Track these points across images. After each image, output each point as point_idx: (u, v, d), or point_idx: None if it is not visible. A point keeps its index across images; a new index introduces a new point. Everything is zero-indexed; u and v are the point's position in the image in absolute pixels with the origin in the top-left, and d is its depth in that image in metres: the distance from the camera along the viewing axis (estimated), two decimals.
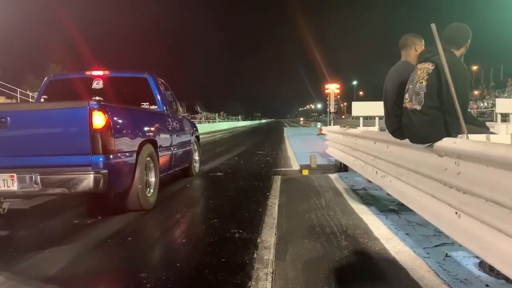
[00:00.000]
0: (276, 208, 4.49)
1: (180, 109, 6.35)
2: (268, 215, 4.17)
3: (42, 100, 5.16)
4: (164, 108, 5.29)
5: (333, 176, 6.74)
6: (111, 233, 3.55)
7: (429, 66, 2.84)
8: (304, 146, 13.83)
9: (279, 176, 6.87)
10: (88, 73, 5.24)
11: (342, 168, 7.05)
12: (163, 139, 4.90)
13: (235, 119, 72.39)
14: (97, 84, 5.13)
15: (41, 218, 4.16)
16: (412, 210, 3.22)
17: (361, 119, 11.83)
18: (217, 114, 51.55)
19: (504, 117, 9.27)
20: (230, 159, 10.44)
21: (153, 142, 4.47)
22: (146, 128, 4.42)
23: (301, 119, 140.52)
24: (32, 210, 4.23)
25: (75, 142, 3.34)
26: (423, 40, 3.56)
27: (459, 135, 2.61)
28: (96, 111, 3.32)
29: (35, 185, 3.22)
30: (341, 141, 6.69)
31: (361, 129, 6.89)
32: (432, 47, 2.86)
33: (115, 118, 3.55)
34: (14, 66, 43.97)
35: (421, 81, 2.86)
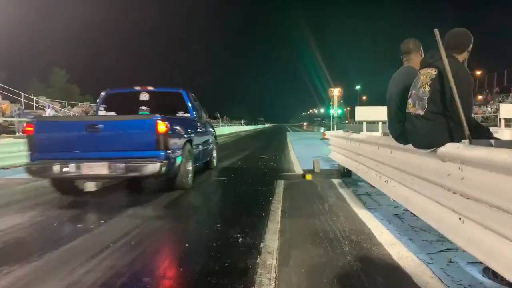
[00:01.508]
0: (279, 213, 4.49)
1: (205, 115, 7.72)
2: (271, 220, 4.17)
3: (101, 109, 6.58)
4: (195, 115, 6.78)
5: (336, 181, 6.73)
6: (115, 238, 3.57)
7: (432, 72, 2.85)
8: (307, 151, 13.81)
9: (282, 181, 6.87)
10: (136, 87, 6.65)
11: (345, 173, 7.04)
12: (195, 139, 6.31)
13: (238, 123, 72.36)
14: (144, 97, 6.55)
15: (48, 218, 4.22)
16: (415, 215, 3.22)
17: (364, 124, 11.88)
18: (220, 118, 51.66)
19: (508, 122, 9.24)
20: (233, 163, 10.45)
21: (190, 141, 5.88)
22: (187, 131, 5.84)
23: (304, 123, 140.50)
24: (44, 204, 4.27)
25: (146, 142, 4.67)
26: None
27: (463, 141, 2.61)
28: (159, 121, 4.69)
29: (119, 170, 4.55)
30: (344, 146, 6.69)
31: (364, 134, 6.89)
32: (434, 52, 2.87)
33: (170, 126, 4.87)
34: (18, 70, 44.40)
35: (424, 86, 2.87)
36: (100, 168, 4.60)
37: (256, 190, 6.17)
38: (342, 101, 37.95)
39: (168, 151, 4.84)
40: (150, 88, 6.64)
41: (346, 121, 61.16)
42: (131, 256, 3.10)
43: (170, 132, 4.91)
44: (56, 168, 4.66)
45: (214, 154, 8.47)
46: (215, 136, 8.65)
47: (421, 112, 2.88)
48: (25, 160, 5.34)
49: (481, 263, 2.50)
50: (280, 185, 6.45)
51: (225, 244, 3.40)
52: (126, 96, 6.74)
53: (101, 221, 4.14)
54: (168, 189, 5.53)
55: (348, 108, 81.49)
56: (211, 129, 8.20)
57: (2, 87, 24.59)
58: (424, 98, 2.86)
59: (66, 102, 33.27)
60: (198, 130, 6.79)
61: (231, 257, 3.04)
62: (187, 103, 6.73)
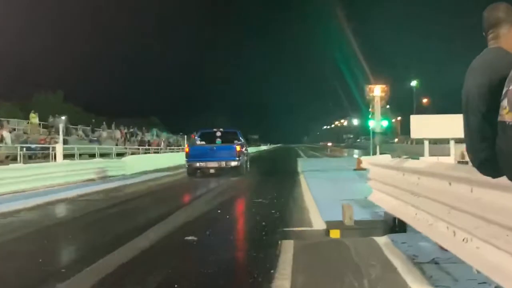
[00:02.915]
0: None
1: (243, 139, 26.59)
2: None
3: (198, 140, 25.19)
4: (242, 141, 25.46)
5: (382, 241, 6.73)
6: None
7: None
8: (332, 190, 13.84)
9: (291, 241, 6.87)
10: (215, 129, 25.16)
11: (396, 226, 7.03)
12: (245, 153, 25.81)
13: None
14: (218, 133, 24.60)
15: None
16: None
17: (425, 143, 11.90)
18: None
19: None
20: (209, 211, 10.40)
21: (244, 154, 24.82)
22: (243, 150, 24.65)
23: (329, 143, 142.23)
24: None
25: (232, 154, 22.91)
26: None
27: None
28: (237, 146, 23.32)
29: (222, 165, 22.86)
30: (393, 181, 6.68)
31: (426, 160, 6.90)
32: None
33: (240, 147, 23.69)
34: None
35: None
36: (214, 164, 22.74)
37: (248, 257, 6.19)
38: (388, 106, 37.92)
39: (239, 158, 22.65)
40: (221, 129, 24.72)
41: (396, 140, 61.36)
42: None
43: (240, 150, 22.92)
44: (197, 164, 22.82)
45: (248, 162, 26.42)
46: (248, 153, 29.06)
47: None
48: None
49: None
50: (288, 248, 6.43)
51: None
52: (210, 133, 24.52)
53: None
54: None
55: (399, 118, 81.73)
56: (247, 150, 28.44)
57: None
58: None
59: None
60: (244, 149, 24.75)
61: None
62: (239, 137, 24.96)
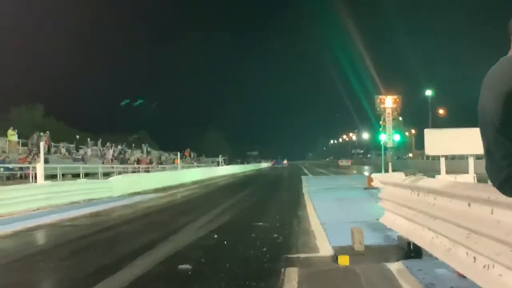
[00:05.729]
0: None
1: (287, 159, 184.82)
2: None
3: (275, 160, 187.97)
4: (286, 160, 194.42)
5: (395, 267, 6.71)
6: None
7: None
8: (340, 210, 13.78)
9: (295, 269, 6.87)
10: (279, 156, 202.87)
11: (411, 251, 7.01)
12: (287, 162, 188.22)
13: (211, 162, 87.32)
14: (280, 157, 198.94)
15: None
16: None
17: (441, 160, 11.84)
18: (220, 156, 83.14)
19: None
20: (205, 237, 10.38)
21: (286, 162, 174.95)
22: (287, 162, 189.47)
23: (341, 161, 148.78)
24: None
25: (284, 163, 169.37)
26: None
27: None
28: (285, 160, 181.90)
29: (282, 165, 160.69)
30: (407, 202, 6.66)
31: (443, 179, 6.89)
32: None
33: (286, 161, 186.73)
34: None
35: None
36: (280, 165, 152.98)
37: (247, 287, 6.14)
38: (401, 119, 37.65)
39: (286, 164, 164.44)
40: (280, 156, 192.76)
41: (410, 155, 61.16)
42: None
43: (286, 162, 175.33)
44: (275, 165, 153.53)
45: (287, 164, 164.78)
46: (287, 162, 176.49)
47: None
48: None
49: None
50: (292, 277, 6.43)
51: None
52: (277, 157, 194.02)
53: None
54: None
55: (413, 131, 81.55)
56: (286, 161, 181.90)
57: None
58: None
59: None
60: (287, 161, 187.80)
61: None
62: (285, 159, 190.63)
